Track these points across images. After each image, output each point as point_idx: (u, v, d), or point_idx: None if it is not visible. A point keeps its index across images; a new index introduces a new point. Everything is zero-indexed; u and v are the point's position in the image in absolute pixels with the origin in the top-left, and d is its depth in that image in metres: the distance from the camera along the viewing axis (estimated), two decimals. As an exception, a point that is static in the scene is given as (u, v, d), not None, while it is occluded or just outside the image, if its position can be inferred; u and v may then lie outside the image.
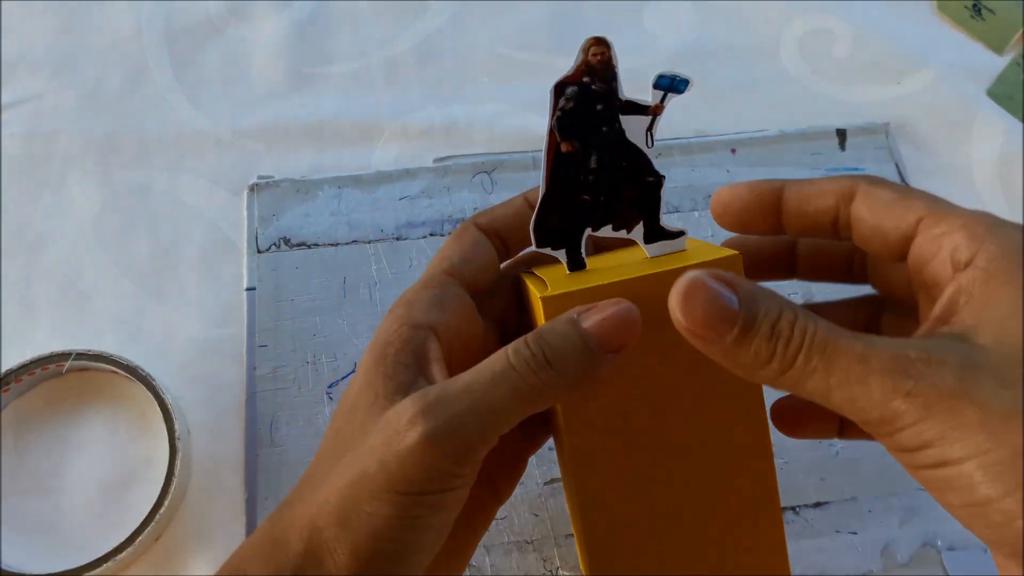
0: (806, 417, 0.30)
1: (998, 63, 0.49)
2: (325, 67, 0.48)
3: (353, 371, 0.40)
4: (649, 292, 0.25)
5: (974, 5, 0.51)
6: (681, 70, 0.27)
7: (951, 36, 0.50)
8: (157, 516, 0.36)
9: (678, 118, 0.47)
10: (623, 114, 0.27)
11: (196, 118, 0.47)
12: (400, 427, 0.23)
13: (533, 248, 0.28)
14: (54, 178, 0.45)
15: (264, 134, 0.46)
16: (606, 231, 0.28)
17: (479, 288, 0.30)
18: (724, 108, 0.47)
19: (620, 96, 0.26)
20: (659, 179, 0.27)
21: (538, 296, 0.26)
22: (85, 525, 0.38)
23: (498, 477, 0.30)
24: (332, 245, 0.43)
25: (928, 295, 0.25)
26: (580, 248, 0.28)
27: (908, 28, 0.50)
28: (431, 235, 0.43)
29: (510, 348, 0.24)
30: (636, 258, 0.29)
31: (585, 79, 0.26)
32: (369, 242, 0.43)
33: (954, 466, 0.20)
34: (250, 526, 0.37)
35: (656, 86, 0.26)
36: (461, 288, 0.29)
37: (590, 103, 0.26)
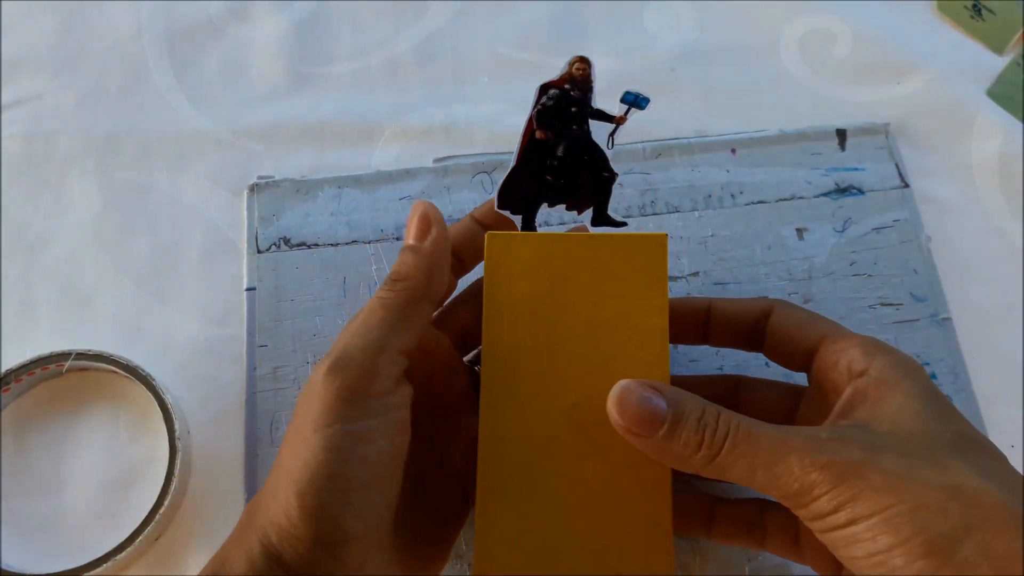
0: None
1: (998, 63, 0.49)
2: (325, 67, 0.48)
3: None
4: (579, 246, 0.30)
5: (974, 5, 0.51)
6: (644, 89, 0.32)
7: (951, 36, 0.50)
8: (157, 516, 0.36)
9: (678, 118, 0.47)
10: (592, 119, 0.31)
11: (196, 118, 0.47)
12: (313, 381, 0.27)
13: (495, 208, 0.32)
14: (54, 178, 0.45)
15: (264, 134, 0.46)
16: (560, 209, 0.32)
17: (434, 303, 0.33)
18: (724, 108, 0.47)
19: (592, 105, 0.31)
20: (613, 176, 0.32)
21: (486, 233, 0.30)
22: (85, 525, 0.38)
23: (468, 482, 0.32)
24: (332, 245, 0.43)
25: (824, 397, 0.30)
26: (534, 217, 0.32)
27: (908, 28, 0.50)
28: (431, 235, 0.43)
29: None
30: None
31: (566, 86, 0.31)
32: (369, 242, 0.43)
33: (863, 522, 0.24)
34: (250, 526, 0.37)
35: (622, 100, 0.31)
36: None
37: (567, 105, 0.31)
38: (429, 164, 0.45)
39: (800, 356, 0.31)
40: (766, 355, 0.33)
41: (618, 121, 0.31)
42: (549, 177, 0.32)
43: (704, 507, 0.33)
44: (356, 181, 0.44)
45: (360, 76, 0.48)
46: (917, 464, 0.24)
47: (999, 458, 0.26)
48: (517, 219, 0.32)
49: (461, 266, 0.33)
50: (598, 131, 0.32)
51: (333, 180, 0.44)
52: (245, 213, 0.44)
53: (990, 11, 0.50)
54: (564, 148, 0.31)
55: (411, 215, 0.30)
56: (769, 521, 0.32)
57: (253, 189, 0.44)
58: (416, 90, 0.48)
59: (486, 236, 0.30)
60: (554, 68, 0.49)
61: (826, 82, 0.48)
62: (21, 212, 0.44)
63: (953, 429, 0.26)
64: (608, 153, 0.32)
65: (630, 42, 0.49)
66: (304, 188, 0.44)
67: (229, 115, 0.47)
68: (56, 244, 0.44)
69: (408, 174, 0.44)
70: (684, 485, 0.35)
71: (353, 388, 0.26)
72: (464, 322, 0.33)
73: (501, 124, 0.46)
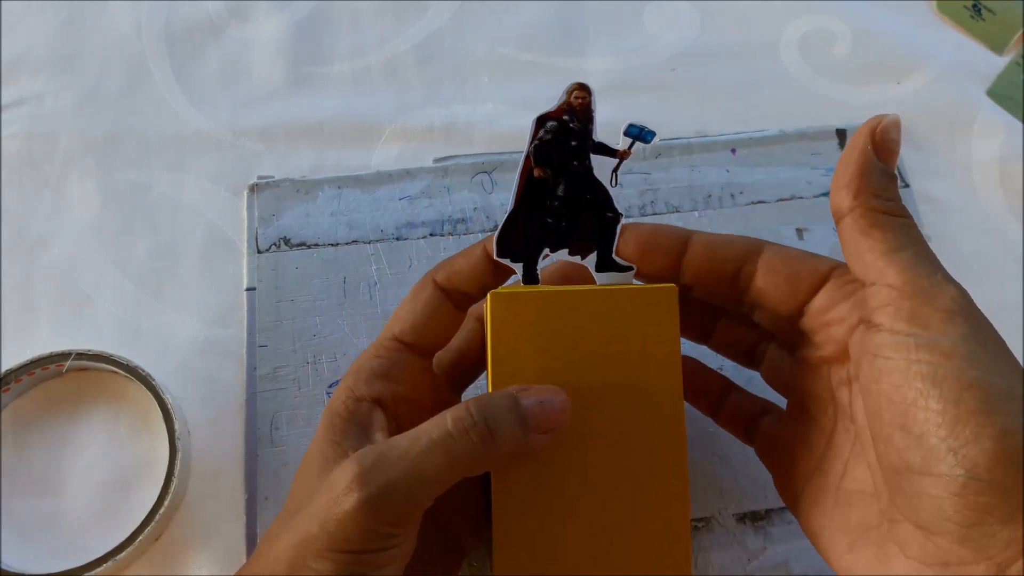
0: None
1: (998, 63, 0.49)
2: (325, 67, 0.48)
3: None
4: (586, 303, 0.29)
5: (974, 5, 0.51)
6: (649, 122, 0.29)
7: (951, 36, 0.50)
8: (157, 516, 0.36)
9: (678, 118, 0.47)
10: (594, 153, 0.29)
11: (196, 118, 0.47)
12: (339, 492, 0.24)
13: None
14: (54, 178, 0.45)
15: (264, 134, 0.46)
16: (562, 254, 0.30)
17: (435, 348, 0.31)
18: (724, 108, 0.47)
19: (593, 137, 0.29)
20: (617, 216, 0.29)
21: (488, 294, 0.29)
22: (85, 525, 0.38)
23: (461, 534, 0.32)
24: (332, 245, 0.43)
25: (828, 336, 0.28)
26: (536, 265, 0.30)
27: (908, 28, 0.50)
28: (431, 235, 0.43)
29: (450, 415, 0.26)
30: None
31: (565, 117, 0.29)
32: (369, 242, 0.43)
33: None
34: (250, 526, 0.37)
35: (626, 134, 0.29)
36: (410, 354, 0.30)
37: (566, 138, 0.29)
38: (429, 164, 0.45)
39: (804, 293, 0.28)
40: (752, 297, 0.29)
41: (621, 155, 0.29)
42: (549, 220, 0.30)
43: (718, 391, 0.34)
44: (356, 181, 0.44)
45: (360, 76, 0.48)
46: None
47: None
48: (518, 267, 0.30)
49: (469, 302, 0.31)
50: (600, 166, 0.30)
51: (333, 180, 0.44)
52: (245, 213, 0.44)
53: (990, 11, 0.50)
54: (564, 187, 0.29)
55: (548, 393, 0.27)
56: (764, 424, 0.32)
57: (253, 189, 0.44)
58: (416, 90, 0.48)
59: (489, 297, 0.29)
60: (554, 68, 0.48)
61: (826, 82, 0.48)
62: (21, 212, 0.44)
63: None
64: (611, 191, 0.29)
65: (630, 42, 0.49)
66: (304, 188, 0.44)
67: (229, 115, 0.47)
68: (56, 244, 0.44)
69: (408, 174, 0.44)
70: (703, 367, 0.35)
71: (387, 530, 0.25)
72: (466, 370, 0.34)
73: (501, 124, 0.46)
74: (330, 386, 0.40)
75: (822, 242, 0.43)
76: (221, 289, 0.42)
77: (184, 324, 0.42)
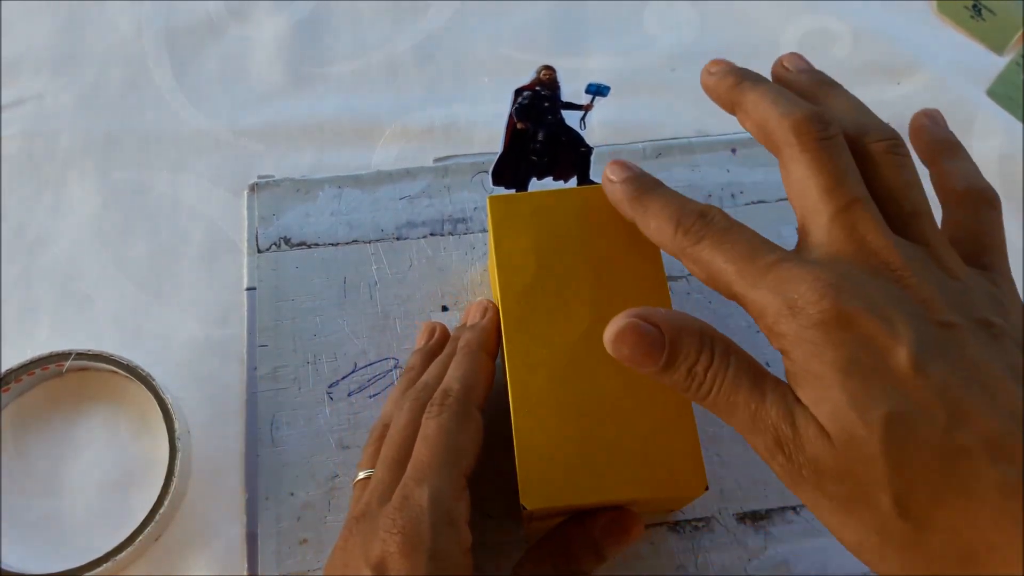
0: None
1: (998, 63, 0.49)
2: (325, 67, 0.48)
3: (353, 370, 0.40)
4: (570, 198, 0.34)
5: (974, 5, 0.51)
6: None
7: (951, 36, 0.50)
8: (157, 516, 0.36)
9: (678, 118, 0.47)
10: (564, 110, 0.37)
11: (196, 118, 0.47)
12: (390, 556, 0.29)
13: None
14: (54, 178, 0.45)
15: (264, 134, 0.46)
16: (547, 180, 0.37)
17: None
18: (724, 108, 0.47)
19: (560, 99, 0.37)
20: (589, 149, 0.37)
21: (487, 198, 0.34)
22: (85, 525, 0.38)
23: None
24: (332, 245, 0.43)
25: None
26: (526, 189, 0.37)
27: (908, 28, 0.50)
28: (431, 235, 0.43)
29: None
30: None
31: (537, 87, 0.36)
32: (369, 242, 0.43)
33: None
34: (250, 526, 0.37)
35: (587, 91, 0.37)
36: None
37: (540, 102, 0.36)
38: (429, 164, 0.45)
39: None
40: None
41: (586, 108, 0.36)
42: (534, 157, 0.36)
43: None
44: (356, 181, 0.44)
45: (360, 76, 0.48)
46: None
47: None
48: (511, 192, 0.36)
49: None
50: (571, 117, 0.37)
51: (333, 180, 0.44)
52: (245, 213, 0.44)
53: (990, 11, 0.50)
54: (543, 134, 0.36)
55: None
56: None
57: (253, 189, 0.44)
58: (416, 90, 0.48)
59: (488, 200, 0.34)
60: (555, 68, 0.49)
61: (826, 82, 0.48)
62: (21, 212, 0.44)
63: None
64: (582, 132, 0.36)
65: (630, 42, 0.49)
66: (304, 188, 0.44)
67: (229, 115, 0.47)
68: (56, 244, 0.44)
69: (408, 174, 0.44)
70: None
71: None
72: None
73: (501, 124, 0.46)
74: (330, 386, 0.40)
75: (822, 242, 0.43)
76: (221, 289, 0.42)
77: (184, 324, 0.42)
